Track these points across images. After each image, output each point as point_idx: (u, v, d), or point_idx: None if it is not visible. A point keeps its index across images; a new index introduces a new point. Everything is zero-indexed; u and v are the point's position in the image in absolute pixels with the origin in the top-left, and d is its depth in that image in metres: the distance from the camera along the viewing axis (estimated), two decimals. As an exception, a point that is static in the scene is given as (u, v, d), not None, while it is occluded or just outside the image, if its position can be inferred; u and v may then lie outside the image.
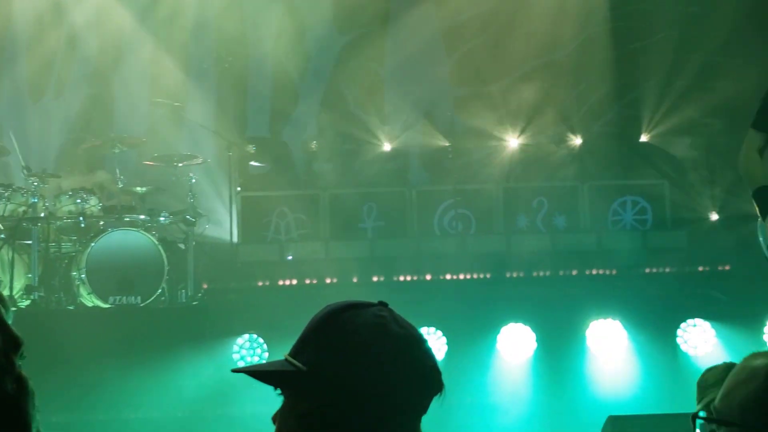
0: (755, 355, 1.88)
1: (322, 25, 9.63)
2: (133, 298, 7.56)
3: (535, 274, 8.97)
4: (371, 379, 1.88)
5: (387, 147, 9.87)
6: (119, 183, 7.94)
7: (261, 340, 7.55)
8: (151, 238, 7.64)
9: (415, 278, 8.90)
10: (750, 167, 5.07)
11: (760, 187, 5.00)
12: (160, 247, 7.60)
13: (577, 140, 10.00)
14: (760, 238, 5.05)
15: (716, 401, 1.87)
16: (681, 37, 9.58)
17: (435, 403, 1.95)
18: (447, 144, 9.92)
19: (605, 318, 7.74)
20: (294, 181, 9.54)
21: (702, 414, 1.90)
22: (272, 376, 1.92)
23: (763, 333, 7.25)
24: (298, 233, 9.28)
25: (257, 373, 1.92)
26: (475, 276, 8.90)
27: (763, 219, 4.97)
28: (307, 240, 9.21)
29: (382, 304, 2.01)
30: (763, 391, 1.76)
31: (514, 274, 8.98)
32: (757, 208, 5.06)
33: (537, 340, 7.79)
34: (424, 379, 1.93)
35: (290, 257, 9.10)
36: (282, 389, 1.93)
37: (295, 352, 1.93)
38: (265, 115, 9.71)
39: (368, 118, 9.82)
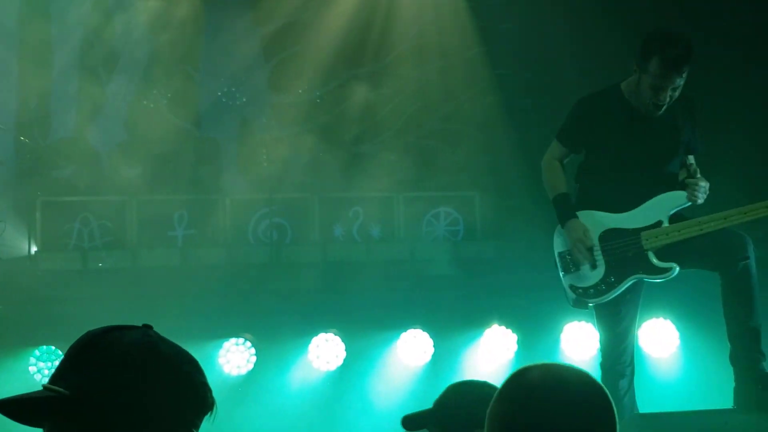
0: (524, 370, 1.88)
1: (133, 25, 9.32)
2: None
3: (349, 284, 8.94)
4: (142, 398, 1.79)
5: (201, 152, 9.63)
6: None
7: (60, 352, 7.24)
8: (-61, 244, 7.20)
9: (227, 288, 8.69)
10: (551, 175, 5.25)
11: (560, 194, 5.18)
12: (-52, 254, 7.18)
13: (394, 151, 10.07)
14: (554, 242, 5.23)
15: None
16: (493, 53, 9.81)
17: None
18: (263, 151, 9.78)
19: (414, 328, 7.83)
20: (100, 186, 9.14)
21: None
22: (29, 406, 1.74)
23: (560, 340, 7.50)
24: (103, 241, 8.93)
25: (9, 406, 1.71)
26: (289, 286, 8.79)
27: (561, 225, 5.15)
28: (113, 248, 8.87)
29: (147, 327, 1.93)
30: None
31: (329, 284, 8.92)
32: (556, 214, 5.23)
33: (346, 350, 7.79)
34: (197, 398, 1.87)
35: (101, 264, 8.75)
36: (41, 422, 1.77)
37: (55, 380, 1.79)
38: (71, 116, 9.28)
39: (181, 123, 9.56)
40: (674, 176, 5.17)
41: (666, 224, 5.00)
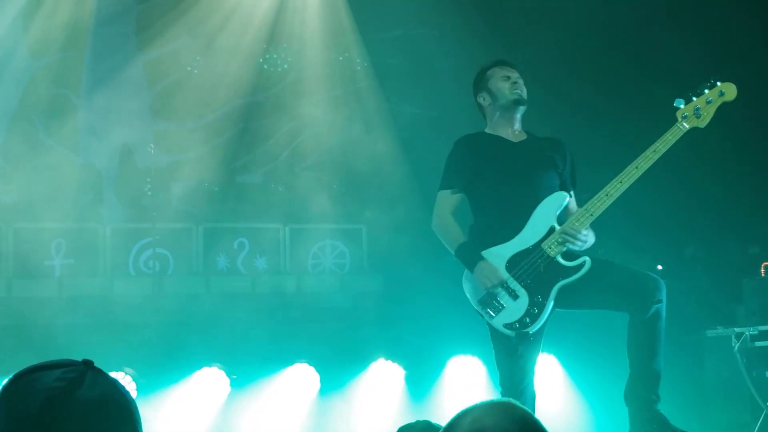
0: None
1: (12, 46, 9.00)
2: None
3: (233, 316, 8.77)
4: None
5: (81, 179, 9.31)
6: None
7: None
8: None
9: (106, 320, 8.41)
10: (447, 229, 5.22)
11: (460, 244, 5.16)
12: None
13: (280, 182, 9.99)
14: (467, 293, 5.17)
15: None
16: (383, 87, 9.85)
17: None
18: (147, 180, 9.54)
19: (300, 362, 7.73)
20: (-27, 213, 8.75)
21: None
22: None
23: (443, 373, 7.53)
24: (-23, 270, 8.55)
25: None
26: (171, 318, 8.56)
27: (471, 271, 5.10)
28: (-14, 277, 8.49)
29: (86, 364, 1.81)
30: None
31: (213, 317, 8.73)
32: (464, 264, 5.19)
33: (231, 384, 7.64)
34: None
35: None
36: None
37: None
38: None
39: (59, 149, 9.25)
40: (553, 190, 5.24)
41: (558, 227, 5.06)
